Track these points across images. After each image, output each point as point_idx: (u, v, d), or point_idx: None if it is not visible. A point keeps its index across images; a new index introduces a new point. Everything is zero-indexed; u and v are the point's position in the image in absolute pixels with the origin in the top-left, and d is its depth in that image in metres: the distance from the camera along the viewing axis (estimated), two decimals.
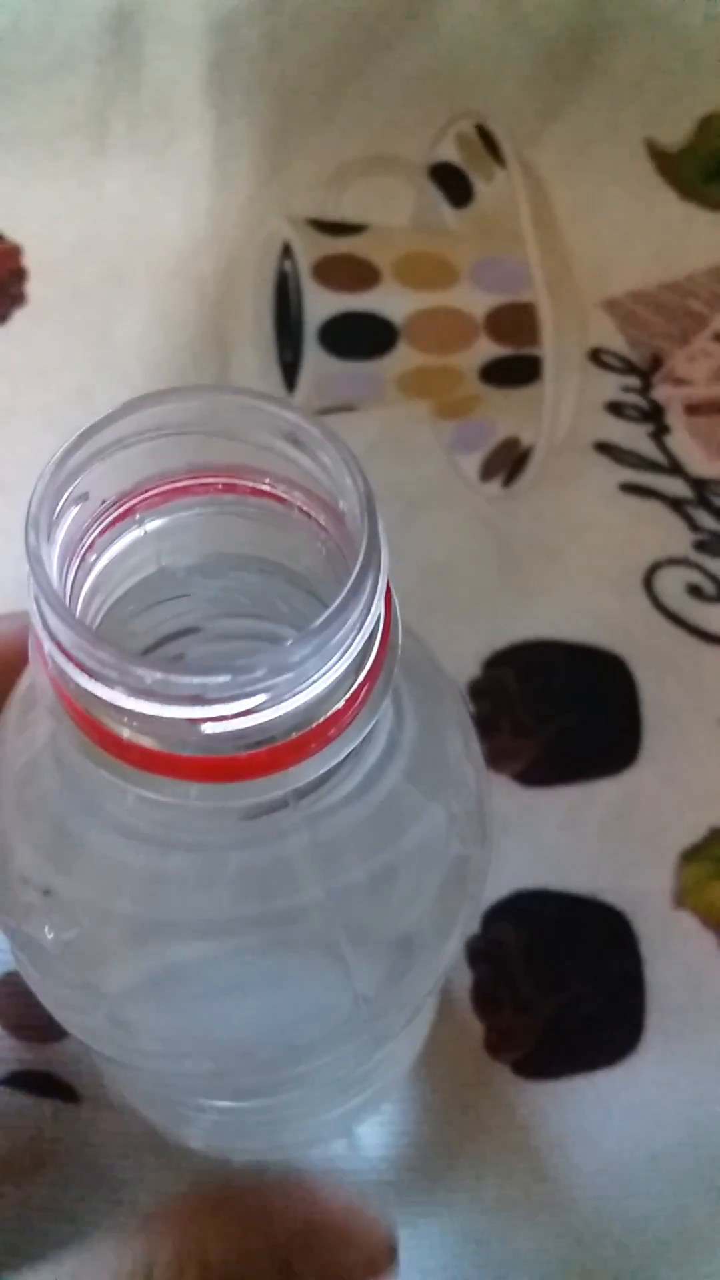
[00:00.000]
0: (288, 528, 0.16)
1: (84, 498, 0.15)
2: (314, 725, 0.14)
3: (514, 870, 0.34)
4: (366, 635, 0.14)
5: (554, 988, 0.33)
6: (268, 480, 0.16)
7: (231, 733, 0.14)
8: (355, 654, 0.14)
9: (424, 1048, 0.31)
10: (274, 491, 0.16)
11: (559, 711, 0.37)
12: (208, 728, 0.13)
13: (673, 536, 0.40)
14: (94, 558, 0.16)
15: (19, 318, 0.45)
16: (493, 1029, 0.33)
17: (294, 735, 0.14)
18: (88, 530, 0.16)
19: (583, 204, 0.47)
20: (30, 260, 0.46)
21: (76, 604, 0.16)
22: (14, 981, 0.33)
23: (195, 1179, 0.30)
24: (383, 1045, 0.22)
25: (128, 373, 0.44)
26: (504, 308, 0.45)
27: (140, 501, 0.16)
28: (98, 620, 0.17)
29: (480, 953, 0.33)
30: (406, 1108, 0.31)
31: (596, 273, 0.46)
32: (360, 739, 0.15)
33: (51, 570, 0.14)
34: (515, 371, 0.44)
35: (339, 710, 0.14)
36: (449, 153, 0.47)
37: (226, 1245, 0.21)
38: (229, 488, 0.16)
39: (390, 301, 0.45)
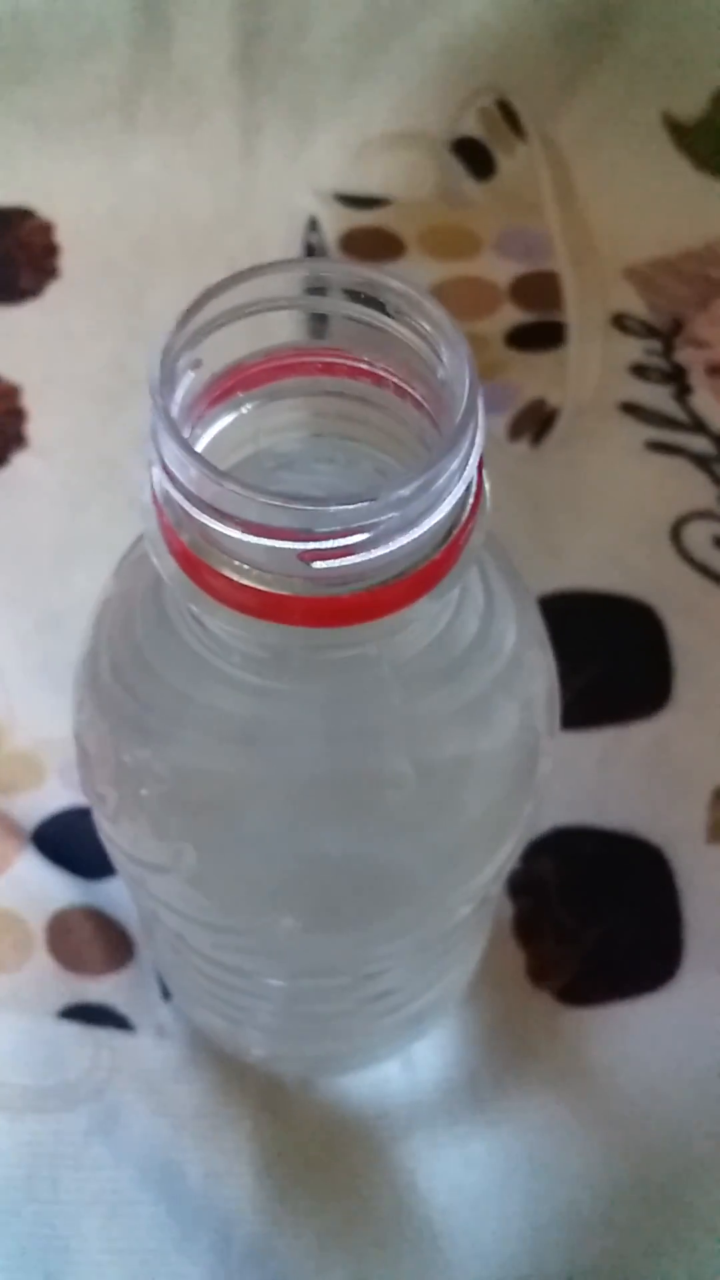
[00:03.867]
0: (383, 409, 0.17)
1: (197, 364, 0.16)
2: (415, 571, 0.15)
3: (553, 808, 0.35)
4: (464, 486, 0.15)
5: (593, 919, 0.34)
6: (365, 359, 0.17)
7: (337, 570, 0.14)
8: (454, 502, 0.15)
9: (473, 976, 0.32)
10: (371, 369, 0.17)
11: (592, 659, 0.38)
12: (316, 565, 0.14)
13: (698, 491, 0.41)
14: (202, 429, 0.17)
15: (53, 291, 0.46)
16: (535, 958, 0.33)
17: (395, 580, 0.15)
18: (199, 397, 0.17)
19: (602, 176, 0.48)
20: (63, 236, 0.47)
21: None
22: (65, 918, 0.34)
23: (253, 1101, 0.31)
24: (443, 940, 0.23)
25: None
26: (527, 276, 0.47)
27: (242, 379, 0.17)
28: None
29: (521, 886, 0.34)
30: (455, 1033, 0.32)
31: (617, 242, 0.47)
32: (455, 591, 0.16)
33: (174, 403, 0.15)
34: (540, 336, 0.45)
35: (438, 560, 0.15)
36: (471, 127, 0.48)
37: None
38: (327, 368, 0.17)
39: (416, 272, 0.46)
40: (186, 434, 0.17)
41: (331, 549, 0.14)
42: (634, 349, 0.45)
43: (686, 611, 0.39)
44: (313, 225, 0.48)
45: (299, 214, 0.48)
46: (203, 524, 0.15)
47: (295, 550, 0.14)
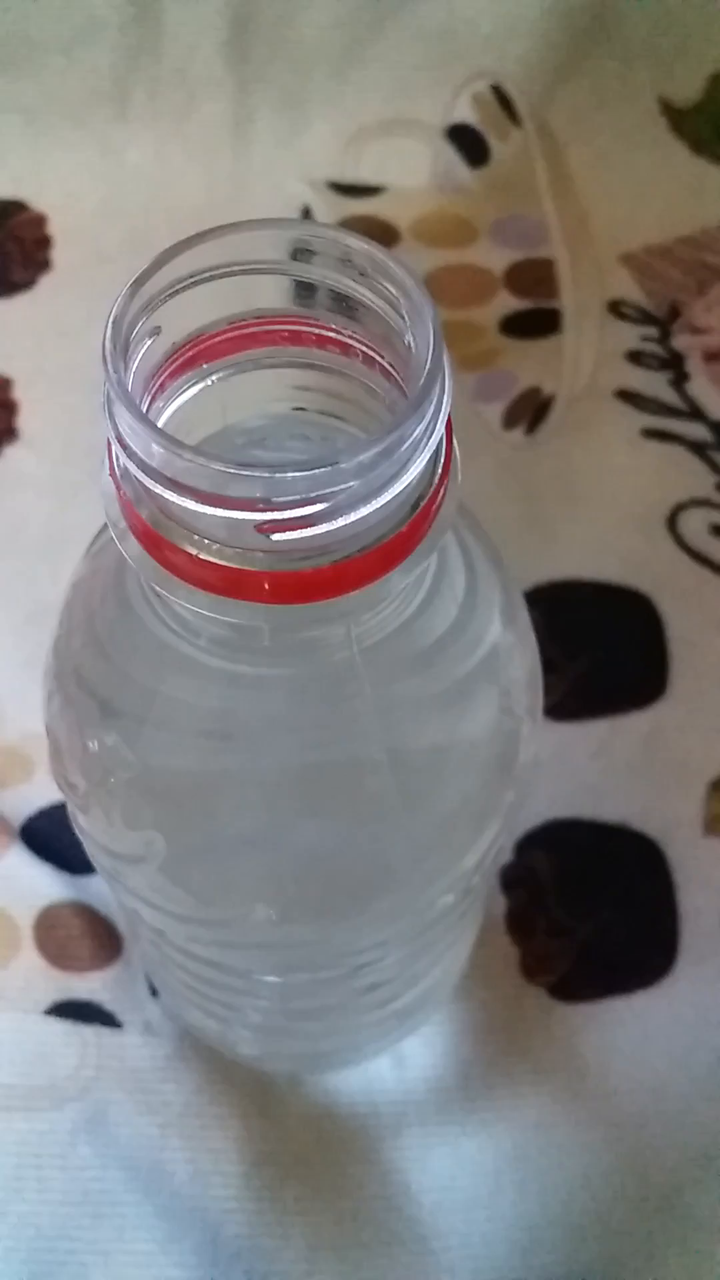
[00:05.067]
0: (355, 380, 0.17)
1: (156, 332, 0.16)
2: (382, 543, 0.15)
3: (546, 800, 0.35)
4: (431, 451, 0.15)
5: (587, 913, 0.34)
6: (333, 327, 0.16)
7: (299, 542, 0.14)
8: (421, 469, 0.14)
9: (464, 970, 0.31)
10: (338, 337, 0.17)
11: (586, 648, 0.38)
12: (275, 537, 0.14)
13: (695, 479, 0.41)
14: (163, 404, 0.17)
15: (45, 283, 0.46)
16: (528, 953, 0.33)
17: (361, 553, 0.14)
18: (158, 369, 0.16)
19: (598, 161, 0.47)
20: (55, 227, 0.47)
21: None
22: (53, 914, 0.33)
23: (241, 1099, 0.31)
24: (429, 931, 0.23)
25: (176, 325, 0.44)
26: (523, 263, 0.46)
27: (206, 349, 0.17)
28: None
29: (514, 879, 0.34)
30: (446, 1030, 0.32)
31: (613, 228, 0.47)
32: (425, 565, 0.16)
33: (128, 372, 0.15)
34: (535, 324, 0.44)
35: (406, 531, 0.15)
36: (465, 114, 0.48)
37: None
38: (294, 336, 0.17)
39: (410, 260, 0.46)
40: (146, 407, 0.16)
41: (291, 519, 0.14)
42: (630, 336, 0.44)
43: (683, 600, 0.38)
44: (306, 214, 0.47)
45: (292, 203, 0.47)
46: (160, 497, 0.14)
47: (253, 521, 0.14)
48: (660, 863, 0.34)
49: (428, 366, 0.14)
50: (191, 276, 0.16)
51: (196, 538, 0.14)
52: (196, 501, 0.14)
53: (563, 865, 0.34)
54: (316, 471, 0.14)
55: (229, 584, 0.15)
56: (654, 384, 0.43)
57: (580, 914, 0.33)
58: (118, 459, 0.15)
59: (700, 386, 0.43)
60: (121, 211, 0.47)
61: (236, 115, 0.47)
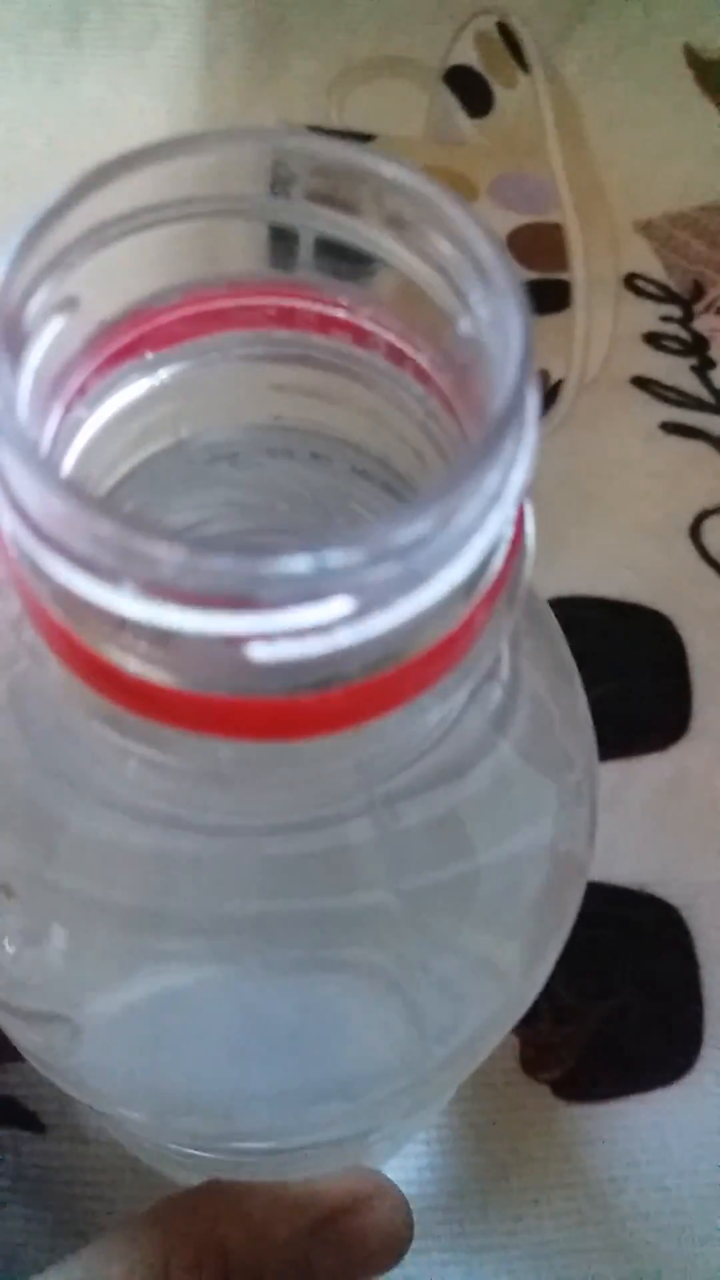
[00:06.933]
0: (369, 381, 0.12)
1: (70, 305, 0.11)
2: (412, 657, 0.09)
3: None
4: (501, 519, 0.09)
5: (598, 994, 0.29)
6: (343, 301, 0.11)
7: (292, 663, 0.09)
8: (483, 549, 0.09)
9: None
10: (351, 319, 0.11)
11: (597, 678, 0.32)
12: (258, 651, 0.09)
13: None
14: (85, 411, 0.11)
15: None
16: (529, 1043, 0.28)
17: (383, 670, 0.09)
18: (76, 366, 0.11)
19: (614, 115, 0.42)
20: None
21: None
22: None
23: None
24: (425, 1104, 0.18)
25: (104, 295, 0.39)
26: (528, 228, 0.41)
27: (154, 330, 0.11)
28: None
29: None
30: (434, 1138, 0.27)
31: (630, 192, 0.41)
32: (473, 683, 0.10)
33: (18, 396, 0.09)
34: (542, 298, 0.39)
35: (450, 637, 0.09)
36: (467, 55, 0.42)
37: (246, 1235, 0.19)
38: (284, 315, 0.11)
39: None
40: (57, 419, 0.11)
41: (283, 631, 0.08)
42: (648, 314, 0.39)
43: (708, 621, 0.34)
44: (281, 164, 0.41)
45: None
46: (57, 580, 0.09)
47: (219, 636, 0.09)
48: (682, 933, 0.29)
49: (511, 385, 0.09)
50: (125, 219, 0.10)
51: (130, 639, 0.09)
52: (135, 595, 0.08)
53: (570, 938, 0.29)
54: (328, 552, 0.08)
55: (177, 711, 0.09)
56: (675, 370, 0.38)
57: (590, 996, 0.29)
58: (5, 520, 0.09)
59: None
60: (72, 151, 0.41)
61: (206, 45, 0.42)
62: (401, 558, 0.08)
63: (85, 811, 0.12)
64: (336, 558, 0.08)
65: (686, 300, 0.39)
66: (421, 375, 0.11)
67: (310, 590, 0.08)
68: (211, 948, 0.13)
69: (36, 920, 0.14)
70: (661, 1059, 0.28)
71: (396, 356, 0.11)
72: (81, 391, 0.11)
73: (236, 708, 0.09)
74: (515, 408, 0.09)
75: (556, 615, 0.35)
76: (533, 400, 0.09)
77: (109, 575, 0.08)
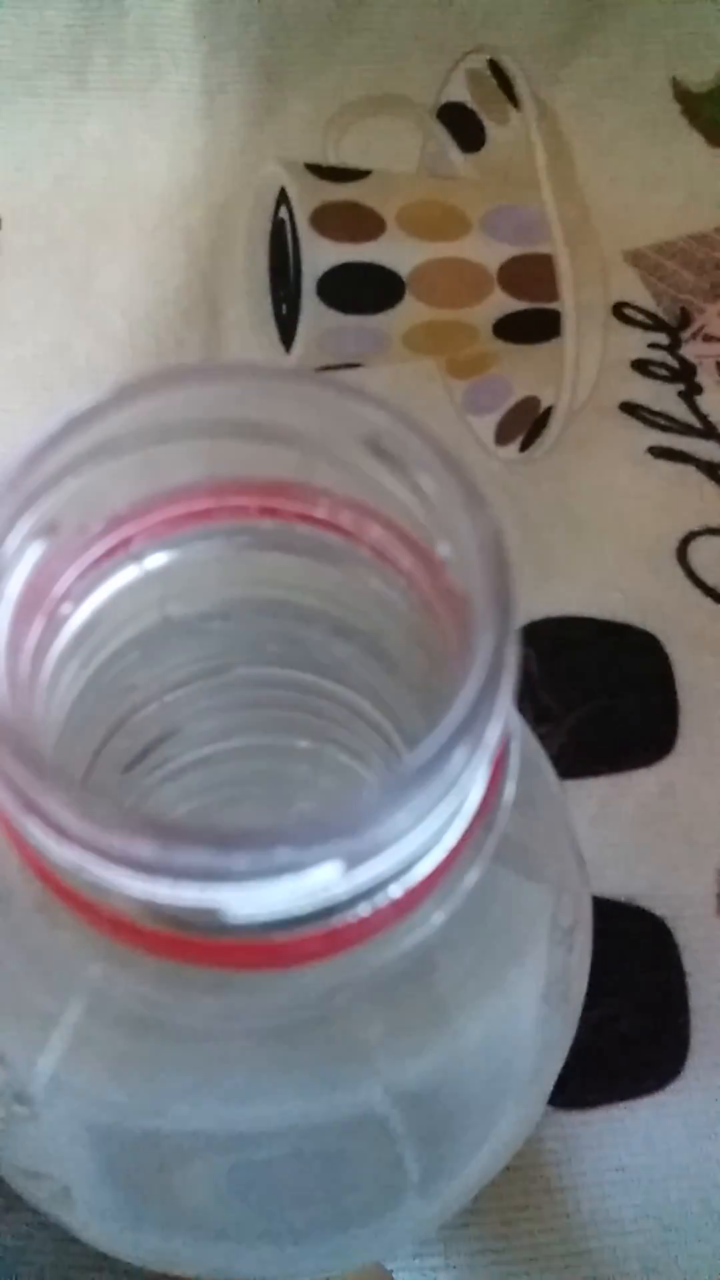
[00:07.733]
0: (351, 571, 0.12)
1: (51, 530, 0.11)
2: (390, 898, 0.10)
3: None
4: (482, 765, 0.10)
5: (588, 1004, 0.29)
6: (325, 504, 0.12)
7: (271, 919, 0.09)
8: (463, 796, 0.10)
9: None
10: (334, 520, 0.12)
11: (586, 696, 0.34)
12: (236, 909, 0.09)
13: (708, 504, 0.37)
14: (69, 609, 0.12)
15: None
16: None
17: (360, 912, 0.10)
18: (58, 574, 0.11)
19: (603, 148, 0.43)
20: (3, 206, 0.42)
21: (41, 671, 0.11)
22: None
23: None
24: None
25: (109, 326, 0.40)
26: (519, 259, 0.42)
27: (142, 530, 0.12)
28: (78, 687, 0.13)
29: None
30: None
31: (619, 223, 0.42)
32: (457, 899, 0.11)
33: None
34: (532, 327, 0.40)
35: (428, 876, 0.10)
36: (459, 92, 0.43)
37: None
38: (268, 512, 0.12)
39: (395, 252, 0.41)
40: (43, 620, 0.11)
41: (257, 895, 0.09)
42: (637, 342, 0.40)
43: (695, 641, 0.34)
44: (282, 198, 0.43)
45: (266, 186, 0.43)
46: (32, 840, 0.10)
47: (198, 906, 0.09)
48: (669, 946, 0.30)
49: (482, 655, 0.09)
50: (106, 447, 0.11)
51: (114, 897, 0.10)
52: (105, 866, 0.09)
53: None
54: (298, 852, 0.09)
55: (163, 947, 0.10)
56: (662, 396, 0.39)
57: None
58: None
59: (714, 401, 0.39)
60: (79, 189, 0.43)
61: (207, 86, 0.43)
62: (368, 834, 0.09)
63: (57, 998, 0.13)
64: (306, 845, 0.09)
65: (674, 328, 0.40)
66: (401, 573, 0.12)
67: (280, 866, 0.09)
68: (190, 1133, 0.14)
69: (22, 1089, 0.14)
70: (650, 1067, 0.29)
71: (379, 556, 0.12)
72: (66, 597, 0.12)
73: (224, 949, 0.10)
74: (496, 667, 0.09)
75: (548, 636, 0.36)
76: (510, 648, 0.10)
77: (84, 847, 0.09)
